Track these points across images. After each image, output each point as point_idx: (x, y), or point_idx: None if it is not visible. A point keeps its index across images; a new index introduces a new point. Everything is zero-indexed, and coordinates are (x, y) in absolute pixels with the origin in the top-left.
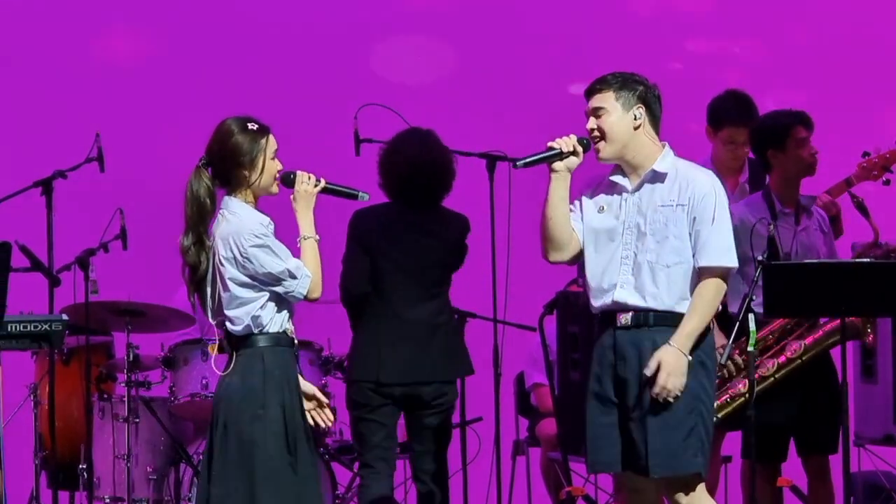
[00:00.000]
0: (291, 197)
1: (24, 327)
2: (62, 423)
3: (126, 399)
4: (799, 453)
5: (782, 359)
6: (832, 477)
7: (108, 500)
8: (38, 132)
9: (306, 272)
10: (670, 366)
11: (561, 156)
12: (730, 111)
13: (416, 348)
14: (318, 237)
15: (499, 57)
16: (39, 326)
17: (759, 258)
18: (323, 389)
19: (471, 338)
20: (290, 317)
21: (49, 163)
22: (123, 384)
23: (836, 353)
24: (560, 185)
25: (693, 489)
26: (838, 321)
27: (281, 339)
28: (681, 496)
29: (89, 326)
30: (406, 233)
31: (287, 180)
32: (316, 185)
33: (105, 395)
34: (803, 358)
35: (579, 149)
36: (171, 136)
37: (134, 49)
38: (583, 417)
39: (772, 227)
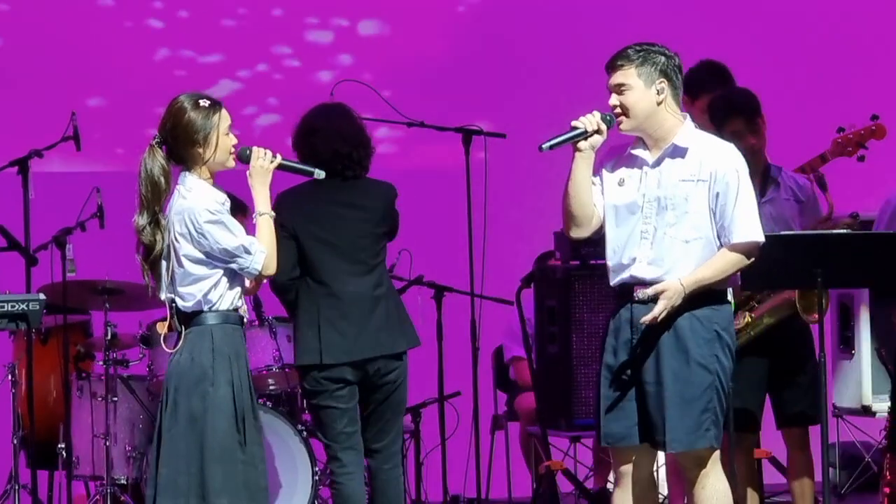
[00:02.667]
0: (248, 173)
1: (2, 307)
2: (40, 403)
3: (104, 378)
4: (778, 425)
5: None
6: (811, 447)
7: (87, 479)
8: (13, 111)
9: (261, 248)
10: (669, 293)
11: (585, 135)
12: (704, 79)
13: (357, 324)
14: (273, 214)
15: (477, 31)
16: (17, 306)
17: None
18: None
19: (448, 312)
20: (241, 295)
21: (25, 142)
22: (102, 363)
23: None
24: (584, 163)
25: (706, 463)
26: (780, 299)
27: (230, 316)
28: (694, 471)
29: (67, 305)
30: (329, 208)
31: (243, 156)
32: (272, 161)
33: (83, 374)
34: (751, 332)
35: (603, 127)
36: (147, 113)
37: (109, 27)
38: (563, 390)
39: None
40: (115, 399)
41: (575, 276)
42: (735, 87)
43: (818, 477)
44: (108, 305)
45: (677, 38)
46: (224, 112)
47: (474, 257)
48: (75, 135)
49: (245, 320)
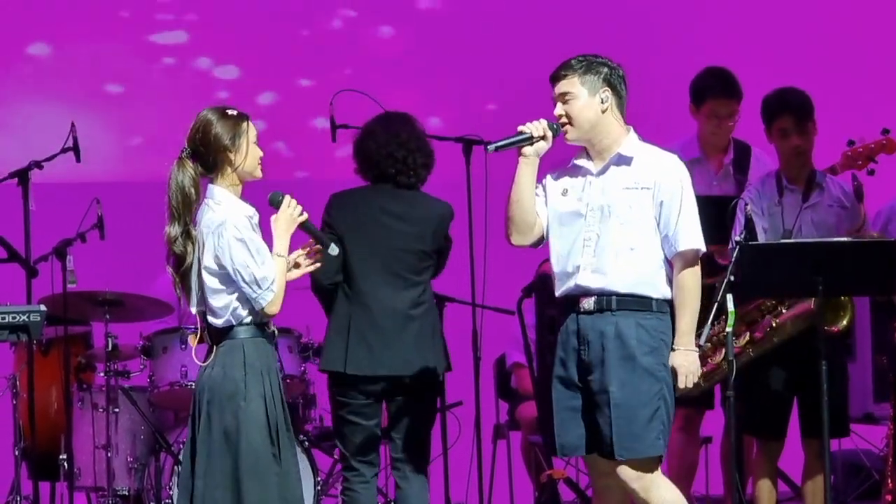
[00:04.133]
0: (273, 217)
1: (2, 318)
2: (42, 414)
3: (106, 389)
4: (803, 434)
5: (758, 334)
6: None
7: (89, 490)
8: (13, 123)
9: (274, 287)
10: (685, 368)
11: (532, 140)
12: (710, 85)
13: (386, 339)
14: (290, 260)
15: (475, 40)
16: (17, 317)
17: (737, 238)
18: (302, 376)
19: (450, 322)
20: None
21: (25, 153)
22: (103, 374)
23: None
24: (528, 169)
25: (650, 472)
26: (803, 308)
27: (261, 331)
28: (637, 482)
29: (67, 316)
30: (377, 217)
31: (275, 200)
32: (299, 216)
33: (84, 385)
34: (774, 339)
35: (549, 133)
36: (147, 125)
37: (110, 38)
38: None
39: (748, 207)
40: (117, 410)
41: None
42: (790, 87)
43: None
44: (108, 316)
45: (689, 44)
46: (251, 124)
47: (475, 267)
48: (75, 146)
49: (276, 334)
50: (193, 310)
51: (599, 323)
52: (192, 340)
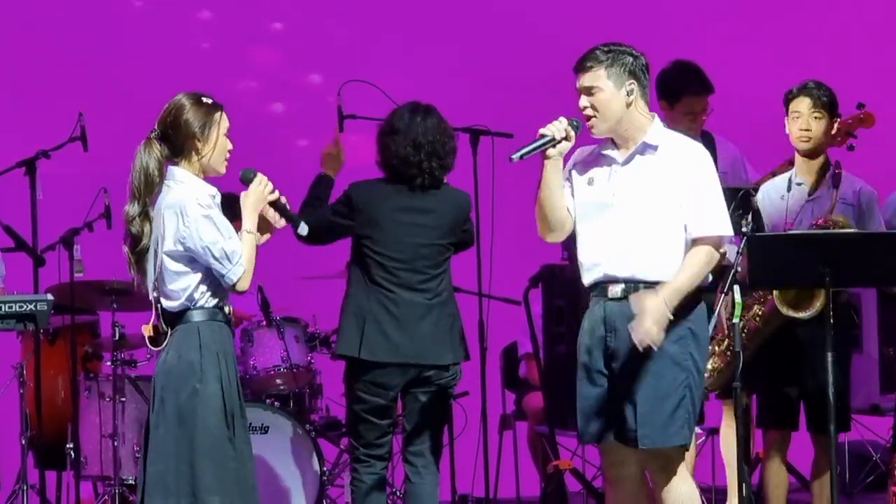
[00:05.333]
0: (243, 193)
1: (10, 307)
2: (48, 403)
3: (112, 378)
4: (810, 428)
5: (751, 325)
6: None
7: (95, 479)
8: (20, 112)
9: (242, 260)
10: (654, 313)
11: (554, 142)
12: (687, 81)
13: (404, 328)
14: (259, 236)
15: (485, 32)
16: (24, 306)
17: (744, 230)
18: (308, 366)
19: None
20: (227, 294)
21: (32, 143)
22: (109, 363)
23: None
24: (554, 170)
25: (675, 465)
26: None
27: (216, 314)
28: (661, 476)
29: (74, 306)
30: (398, 214)
31: (246, 177)
32: (271, 193)
33: (91, 375)
34: (757, 341)
35: (571, 133)
36: (155, 115)
37: (116, 27)
38: (571, 390)
39: (754, 199)
40: (123, 399)
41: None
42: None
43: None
44: (115, 306)
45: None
46: (224, 114)
47: (482, 257)
48: (82, 135)
49: (232, 320)
50: (150, 295)
51: (627, 309)
52: (146, 330)
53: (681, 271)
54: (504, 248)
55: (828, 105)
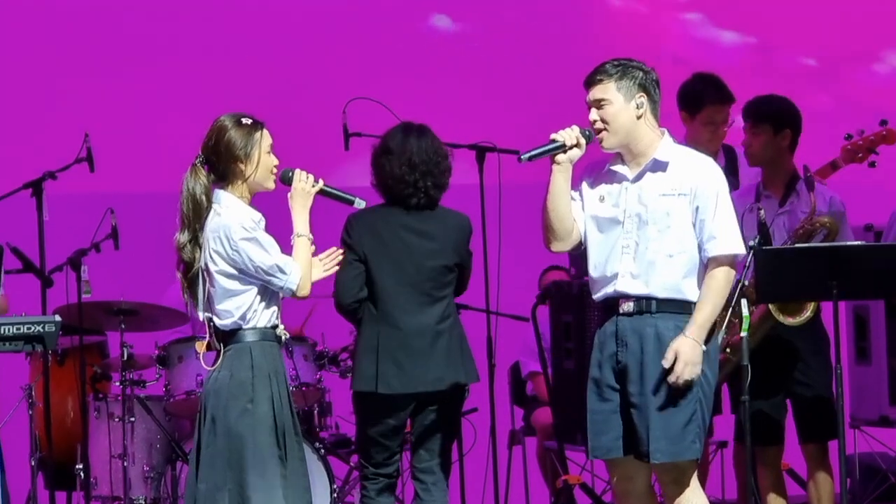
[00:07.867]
0: (288, 194)
1: (18, 329)
2: (58, 424)
3: (121, 398)
4: (799, 440)
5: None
6: (830, 460)
7: (105, 500)
8: (27, 134)
9: (297, 268)
10: (686, 356)
11: (564, 148)
12: (709, 91)
13: (416, 357)
14: (311, 236)
15: (488, 47)
16: (33, 328)
17: (751, 243)
18: (317, 384)
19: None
20: (278, 313)
21: (39, 164)
22: (118, 383)
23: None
24: (562, 177)
25: (688, 478)
26: (762, 308)
27: (268, 333)
28: (673, 489)
29: (83, 326)
30: (399, 235)
31: (285, 177)
32: (314, 185)
33: (100, 395)
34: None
35: (582, 141)
36: (161, 135)
37: (123, 49)
38: (579, 405)
39: (762, 212)
40: (133, 419)
41: (590, 291)
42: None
43: (836, 488)
44: (123, 326)
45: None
46: (266, 132)
47: (489, 274)
48: (89, 156)
49: (283, 339)
50: (201, 315)
51: (639, 325)
52: (200, 347)
53: (702, 303)
54: (511, 265)
55: (757, 116)
